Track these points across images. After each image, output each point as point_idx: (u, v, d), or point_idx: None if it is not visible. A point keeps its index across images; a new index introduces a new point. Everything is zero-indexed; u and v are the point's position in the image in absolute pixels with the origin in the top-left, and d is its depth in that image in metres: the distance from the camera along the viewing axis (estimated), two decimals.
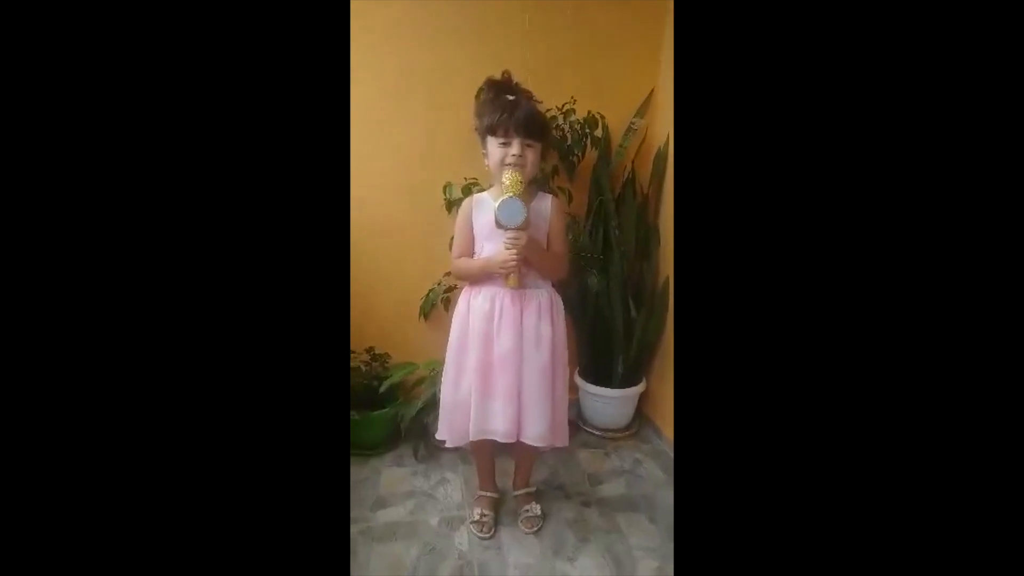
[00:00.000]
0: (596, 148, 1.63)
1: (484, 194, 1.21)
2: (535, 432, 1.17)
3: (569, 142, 1.58)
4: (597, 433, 1.76)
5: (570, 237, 1.35)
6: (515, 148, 1.08)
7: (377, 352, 1.66)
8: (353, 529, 1.29)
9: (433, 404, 1.51)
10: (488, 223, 1.12)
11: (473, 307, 1.17)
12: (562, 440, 1.24)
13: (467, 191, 1.53)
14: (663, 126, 1.65)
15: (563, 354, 1.22)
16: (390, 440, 1.63)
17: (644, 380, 1.75)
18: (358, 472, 1.52)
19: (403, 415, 1.56)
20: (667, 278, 1.65)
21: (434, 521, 1.33)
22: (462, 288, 1.23)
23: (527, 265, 1.13)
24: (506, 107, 1.08)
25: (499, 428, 1.16)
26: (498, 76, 1.15)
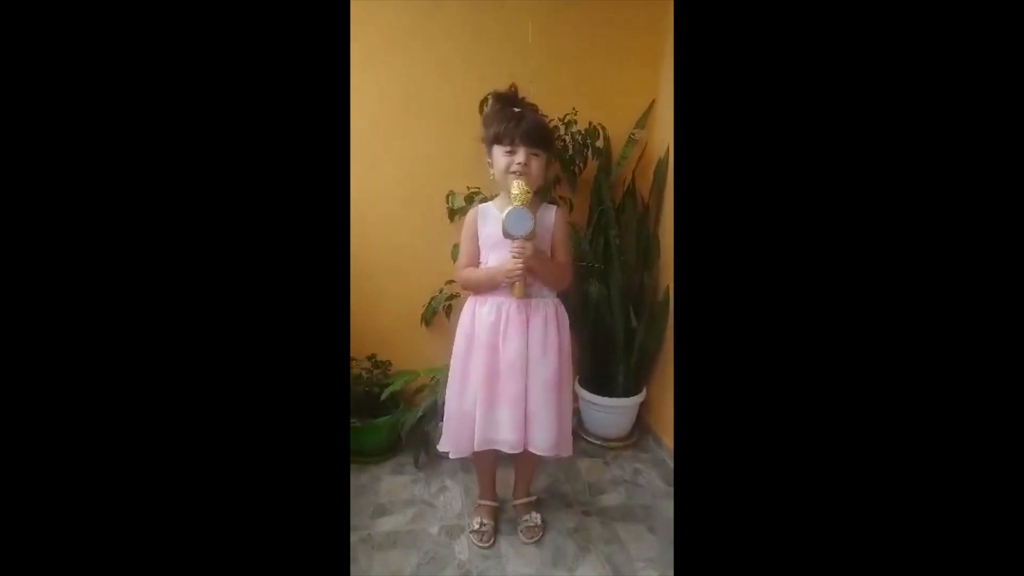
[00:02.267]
0: (597, 158, 1.64)
1: (489, 204, 1.22)
2: (542, 442, 1.17)
3: (571, 152, 1.59)
4: (597, 442, 1.76)
5: (572, 246, 1.36)
6: (520, 157, 1.09)
7: (379, 360, 1.66)
8: (353, 537, 1.28)
9: (434, 412, 1.51)
10: (493, 233, 1.13)
11: (479, 317, 1.17)
12: (567, 450, 1.24)
13: (470, 200, 1.54)
14: (663, 136, 1.67)
15: (568, 364, 1.22)
16: (391, 448, 1.63)
17: (644, 389, 1.76)
18: (358, 480, 1.51)
19: (403, 423, 1.56)
20: (667, 287, 1.66)
21: (434, 530, 1.33)
22: (467, 298, 1.24)
23: (532, 275, 1.13)
24: (512, 117, 1.10)
25: (506, 438, 1.16)
26: (504, 89, 1.16)
